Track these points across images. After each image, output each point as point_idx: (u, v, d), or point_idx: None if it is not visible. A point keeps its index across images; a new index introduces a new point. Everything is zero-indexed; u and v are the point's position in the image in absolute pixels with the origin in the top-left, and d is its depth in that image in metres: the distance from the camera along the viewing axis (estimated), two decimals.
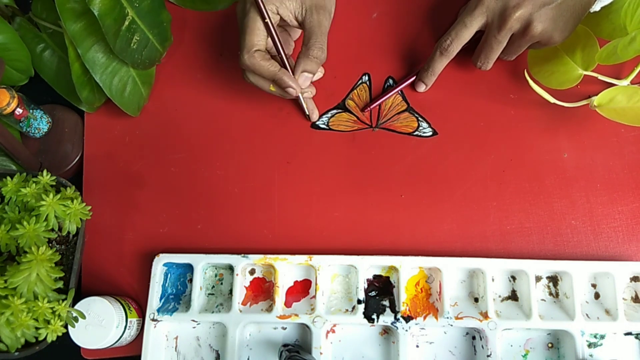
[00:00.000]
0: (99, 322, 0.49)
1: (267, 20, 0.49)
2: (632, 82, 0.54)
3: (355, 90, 0.59)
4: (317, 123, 0.58)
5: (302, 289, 0.55)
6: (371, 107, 0.58)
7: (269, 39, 0.51)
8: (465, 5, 0.54)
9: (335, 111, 0.58)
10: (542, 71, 0.56)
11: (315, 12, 0.50)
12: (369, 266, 0.54)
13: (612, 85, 0.54)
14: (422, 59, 0.59)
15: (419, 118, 0.58)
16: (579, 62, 0.54)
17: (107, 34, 0.50)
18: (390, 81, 0.59)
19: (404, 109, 0.58)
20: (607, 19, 0.52)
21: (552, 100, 0.54)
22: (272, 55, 0.52)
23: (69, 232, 0.50)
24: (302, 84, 0.52)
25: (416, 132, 0.58)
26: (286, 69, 0.51)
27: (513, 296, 0.54)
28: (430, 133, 0.58)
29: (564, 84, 0.54)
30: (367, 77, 0.59)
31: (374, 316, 0.52)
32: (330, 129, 0.58)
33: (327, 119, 0.58)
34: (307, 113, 0.57)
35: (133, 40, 0.53)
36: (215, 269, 0.56)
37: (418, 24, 0.60)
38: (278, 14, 0.50)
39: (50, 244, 0.52)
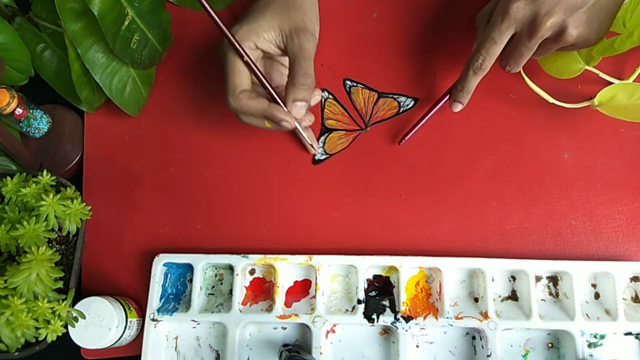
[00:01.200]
0: (99, 322, 0.49)
1: (246, 59, 0.47)
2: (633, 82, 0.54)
3: (325, 109, 0.59)
4: (318, 157, 0.57)
5: (302, 289, 0.55)
6: (408, 137, 0.55)
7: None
8: (483, 13, 0.52)
9: (323, 137, 0.58)
10: (546, 56, 0.54)
11: (295, 36, 0.48)
12: (369, 266, 0.54)
13: (612, 83, 0.54)
14: (423, 59, 0.59)
15: (394, 96, 0.58)
16: (583, 55, 0.53)
17: (106, 34, 0.50)
18: (349, 83, 0.59)
19: (377, 98, 0.58)
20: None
21: (550, 100, 0.54)
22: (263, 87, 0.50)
23: (69, 232, 0.50)
24: (297, 113, 0.49)
25: (401, 110, 0.58)
26: (277, 102, 0.49)
27: (513, 296, 0.54)
28: (413, 102, 0.58)
29: (563, 74, 0.54)
30: (326, 93, 0.59)
31: (374, 316, 0.52)
32: (330, 155, 0.58)
33: (322, 148, 0.58)
34: (307, 145, 0.56)
35: (133, 40, 0.53)
36: (215, 269, 0.56)
37: (418, 24, 0.60)
38: (257, 48, 0.49)
39: (50, 244, 0.52)
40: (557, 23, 0.45)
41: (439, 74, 0.59)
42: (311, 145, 0.55)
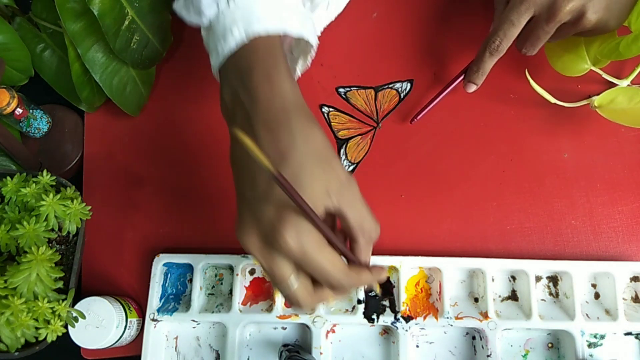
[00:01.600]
0: (99, 322, 0.49)
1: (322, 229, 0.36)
2: (632, 83, 0.54)
3: (332, 123, 0.58)
4: (346, 169, 0.54)
5: None
6: (420, 116, 0.55)
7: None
8: None
9: (342, 149, 0.58)
10: (555, 49, 0.54)
11: (346, 188, 0.38)
12: None
13: (612, 83, 0.54)
14: (423, 58, 0.59)
15: (389, 85, 0.58)
16: (591, 56, 0.53)
17: (106, 34, 0.50)
18: (342, 90, 0.59)
19: (375, 94, 0.59)
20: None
21: (552, 100, 0.54)
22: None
23: (69, 232, 0.50)
24: (379, 277, 0.41)
25: (402, 95, 0.58)
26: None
27: (513, 296, 0.54)
28: (409, 85, 0.58)
29: (567, 71, 0.54)
30: (326, 108, 0.58)
31: (374, 316, 0.52)
32: (357, 164, 0.57)
33: (346, 160, 0.57)
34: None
35: (133, 40, 0.53)
36: (215, 269, 0.56)
37: (419, 23, 0.60)
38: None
39: (50, 244, 0.52)
40: (577, 8, 0.45)
41: (436, 69, 0.59)
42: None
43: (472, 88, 0.54)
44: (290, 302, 0.38)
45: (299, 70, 0.52)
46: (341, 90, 0.59)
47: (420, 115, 0.56)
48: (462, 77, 0.54)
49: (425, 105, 0.55)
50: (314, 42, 0.46)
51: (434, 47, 0.60)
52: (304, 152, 0.37)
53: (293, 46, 0.51)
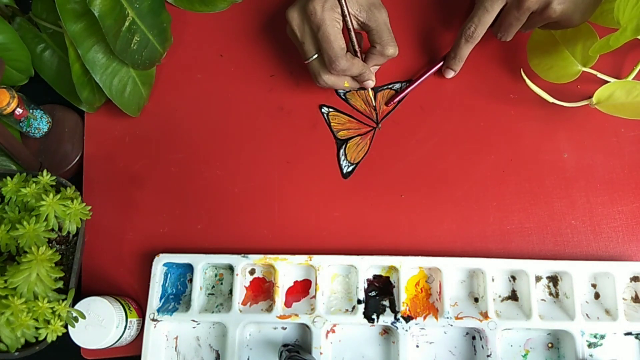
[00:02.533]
0: (99, 322, 0.49)
1: (348, 17, 0.50)
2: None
3: (332, 123, 0.58)
4: (345, 170, 0.57)
5: (302, 289, 0.55)
6: (398, 98, 0.58)
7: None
8: None
9: (342, 149, 0.58)
10: (541, 64, 0.56)
11: (376, 10, 0.51)
12: (369, 266, 0.54)
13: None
14: (422, 59, 0.59)
15: (389, 86, 0.59)
16: (579, 57, 0.54)
17: (107, 35, 0.50)
18: (341, 91, 0.59)
19: (374, 94, 0.59)
20: (602, 16, 0.52)
21: (550, 100, 0.54)
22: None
23: (69, 232, 0.50)
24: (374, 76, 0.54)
25: (396, 95, 0.58)
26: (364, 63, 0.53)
27: (513, 296, 0.54)
28: (400, 83, 0.59)
29: (561, 79, 0.55)
30: (326, 108, 0.59)
31: (374, 316, 0.52)
32: (356, 164, 0.57)
33: (346, 160, 0.57)
34: (373, 101, 0.58)
35: (133, 40, 0.53)
36: (215, 269, 0.56)
37: (417, 23, 0.60)
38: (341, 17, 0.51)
39: (50, 244, 0.52)
40: None
41: (430, 60, 0.59)
42: (369, 86, 0.56)
43: (450, 74, 0.57)
44: (311, 72, 0.53)
45: None
46: (341, 91, 0.59)
47: (397, 99, 0.58)
48: (439, 65, 0.57)
49: (404, 89, 0.58)
50: None
51: (432, 47, 0.60)
52: None
53: None
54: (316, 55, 0.52)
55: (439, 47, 0.60)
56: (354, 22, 0.52)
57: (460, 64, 0.56)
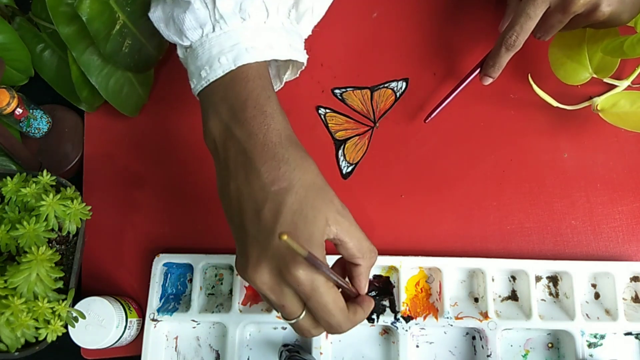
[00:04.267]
0: (99, 322, 0.49)
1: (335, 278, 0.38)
2: (632, 83, 0.54)
3: (329, 124, 0.58)
4: (345, 170, 0.57)
5: None
6: (434, 114, 0.55)
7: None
8: None
9: (341, 150, 0.58)
10: (558, 55, 0.55)
11: (341, 215, 0.39)
12: None
13: (612, 84, 0.54)
14: (424, 58, 0.59)
15: (385, 85, 0.58)
16: (594, 64, 0.53)
17: (95, 38, 0.50)
18: (338, 91, 0.59)
19: (370, 94, 0.59)
20: None
21: (555, 104, 0.54)
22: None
23: (69, 232, 0.50)
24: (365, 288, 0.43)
25: (398, 94, 0.58)
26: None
27: (513, 296, 0.54)
28: (405, 84, 0.58)
29: (568, 79, 0.54)
30: (323, 109, 0.58)
31: (374, 316, 0.52)
32: (355, 164, 0.57)
33: (345, 160, 0.57)
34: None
35: (125, 44, 0.53)
36: (215, 269, 0.56)
37: (419, 23, 0.60)
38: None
39: (50, 244, 0.52)
40: (591, 0, 0.45)
41: (435, 68, 0.59)
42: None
43: (489, 81, 0.54)
44: (297, 331, 0.40)
45: (286, 78, 0.52)
46: (337, 91, 0.59)
47: (435, 113, 0.54)
48: (476, 72, 0.54)
49: (439, 103, 0.55)
50: (304, 59, 0.46)
51: (428, 45, 0.60)
52: (304, 184, 0.39)
53: (280, 64, 0.51)
54: (304, 314, 0.38)
55: (437, 45, 0.60)
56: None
57: (499, 71, 0.52)
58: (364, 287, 0.42)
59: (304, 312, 0.38)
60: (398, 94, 0.59)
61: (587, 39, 0.54)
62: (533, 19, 0.47)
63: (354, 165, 0.57)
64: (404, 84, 0.59)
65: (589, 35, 0.54)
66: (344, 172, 0.57)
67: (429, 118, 0.55)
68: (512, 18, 0.49)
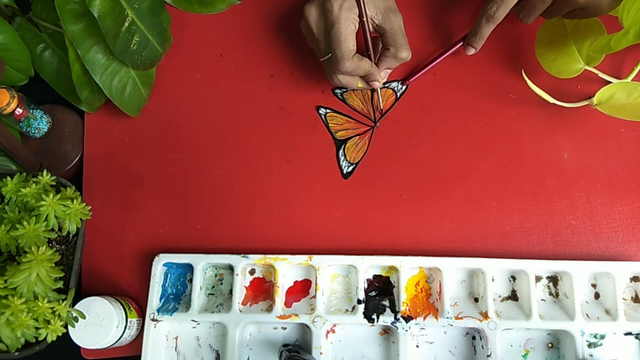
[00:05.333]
0: (99, 322, 0.49)
1: (365, 19, 0.51)
2: (632, 81, 0.54)
3: (330, 124, 0.58)
4: (346, 170, 0.57)
5: (302, 289, 0.55)
6: (415, 78, 0.58)
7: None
8: None
9: (341, 150, 0.58)
10: (547, 54, 0.55)
11: (392, 14, 0.52)
12: (369, 266, 0.54)
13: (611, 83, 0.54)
14: (423, 54, 0.59)
15: (385, 85, 0.59)
16: (584, 55, 0.53)
17: (106, 35, 0.50)
18: (338, 91, 0.59)
19: (371, 94, 0.59)
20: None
21: (551, 100, 0.54)
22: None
23: (69, 232, 0.50)
24: (383, 79, 0.55)
25: (398, 95, 0.59)
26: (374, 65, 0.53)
27: (513, 296, 0.54)
28: (404, 87, 0.59)
29: (562, 73, 0.54)
30: (323, 109, 0.58)
31: (374, 316, 0.52)
32: (356, 164, 0.57)
33: (345, 160, 0.57)
34: (380, 102, 0.58)
35: (133, 41, 0.53)
36: (215, 269, 0.56)
37: (418, 23, 0.60)
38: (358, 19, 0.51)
39: (50, 244, 0.52)
40: None
41: (435, 69, 0.59)
42: (378, 90, 0.57)
43: (471, 51, 0.57)
44: (325, 68, 0.54)
45: None
46: (337, 91, 0.59)
47: (415, 77, 0.58)
48: (461, 44, 0.57)
49: (422, 66, 0.58)
50: None
51: (427, 46, 0.60)
52: None
53: None
54: (329, 57, 0.52)
55: (436, 45, 0.60)
56: (370, 25, 0.52)
57: (481, 42, 0.55)
58: (380, 65, 0.54)
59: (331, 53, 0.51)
60: (398, 94, 0.59)
61: (571, 33, 0.54)
62: None
63: (354, 165, 0.57)
64: (405, 85, 0.59)
65: (572, 29, 0.54)
66: (344, 172, 0.57)
67: (409, 80, 0.58)
68: None
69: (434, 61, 0.58)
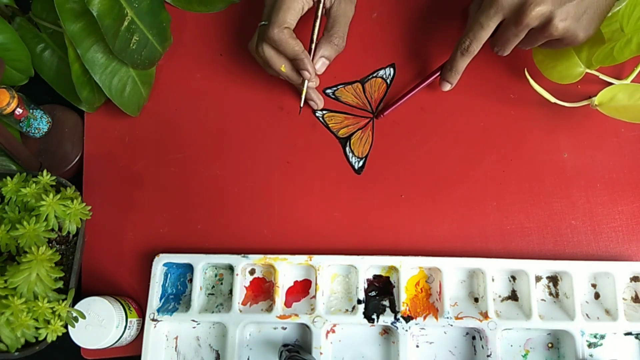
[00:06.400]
0: (99, 322, 0.49)
1: (322, 2, 0.51)
2: (632, 82, 0.54)
3: (330, 125, 0.58)
4: (357, 166, 0.57)
5: (302, 289, 0.55)
6: (388, 111, 0.57)
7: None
8: (474, 1, 0.53)
9: (348, 147, 0.58)
10: (545, 61, 0.55)
11: (345, 3, 0.52)
12: (369, 266, 0.54)
13: (612, 84, 0.54)
14: (423, 58, 0.59)
15: (373, 74, 0.59)
16: (584, 59, 0.53)
17: (106, 35, 0.50)
18: (329, 91, 0.59)
19: (362, 86, 0.59)
20: (608, 20, 0.52)
21: (552, 99, 0.54)
22: None
23: (69, 232, 0.50)
24: (319, 70, 0.53)
25: (389, 82, 0.59)
26: (309, 53, 0.52)
27: (513, 296, 0.54)
28: (392, 70, 0.59)
29: (564, 79, 0.54)
30: (320, 112, 0.59)
31: (374, 316, 0.52)
32: (365, 158, 0.57)
33: (355, 156, 0.57)
34: (302, 104, 0.55)
35: (132, 40, 0.53)
36: (215, 269, 0.56)
37: (418, 23, 0.60)
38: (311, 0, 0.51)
39: (50, 244, 0.52)
40: (544, 13, 0.45)
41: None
42: (314, 104, 0.57)
43: (447, 87, 0.56)
44: (257, 35, 0.52)
45: None
46: (328, 91, 0.59)
47: (391, 110, 0.57)
48: (437, 75, 0.56)
49: (398, 98, 0.57)
50: None
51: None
52: None
53: None
54: (266, 23, 0.51)
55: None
56: (320, 6, 0.51)
57: (457, 76, 0.54)
58: (317, 54, 0.52)
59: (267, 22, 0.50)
60: (388, 81, 0.59)
61: None
62: (485, 29, 0.49)
63: (364, 159, 0.57)
64: (392, 69, 0.59)
65: None
66: (355, 167, 0.57)
67: (382, 115, 0.57)
68: (468, 26, 0.50)
69: (409, 93, 0.57)
